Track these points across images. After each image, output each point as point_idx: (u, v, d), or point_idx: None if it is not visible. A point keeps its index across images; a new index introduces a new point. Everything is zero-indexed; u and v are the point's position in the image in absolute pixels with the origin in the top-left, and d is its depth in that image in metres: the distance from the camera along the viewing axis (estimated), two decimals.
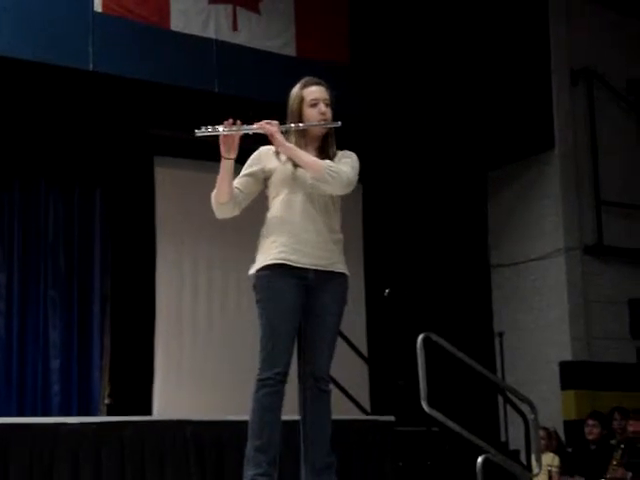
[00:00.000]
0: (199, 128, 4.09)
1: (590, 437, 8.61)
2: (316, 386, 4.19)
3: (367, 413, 9.04)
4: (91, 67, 7.59)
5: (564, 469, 8.47)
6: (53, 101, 8.25)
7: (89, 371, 8.87)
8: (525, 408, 7.89)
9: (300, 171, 4.18)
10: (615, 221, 10.56)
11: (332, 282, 4.20)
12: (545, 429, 8.52)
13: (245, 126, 4.13)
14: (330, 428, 4.25)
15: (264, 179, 4.27)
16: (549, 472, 8.36)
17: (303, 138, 4.23)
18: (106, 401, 8.73)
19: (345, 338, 8.18)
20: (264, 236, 4.23)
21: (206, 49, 8.19)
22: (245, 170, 4.29)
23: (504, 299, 10.88)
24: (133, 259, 9.17)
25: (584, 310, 10.23)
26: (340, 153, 4.29)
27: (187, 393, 8.91)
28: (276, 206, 4.22)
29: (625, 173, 10.82)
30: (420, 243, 10.57)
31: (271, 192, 4.27)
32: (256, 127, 4.15)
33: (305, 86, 4.29)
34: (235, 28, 8.41)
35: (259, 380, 4.09)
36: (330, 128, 4.26)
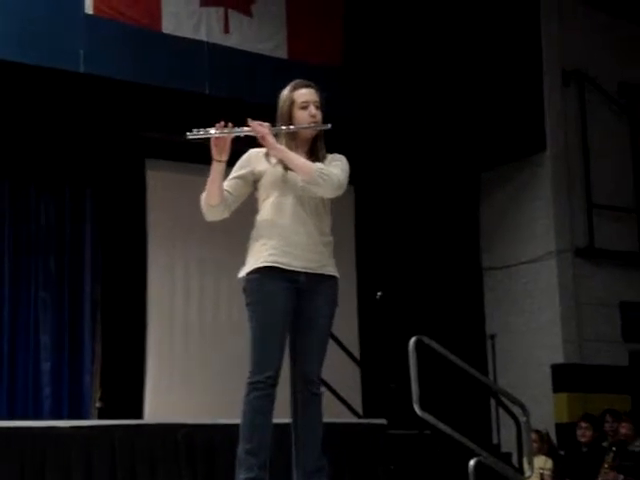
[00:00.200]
0: (191, 131, 4.09)
1: (582, 440, 8.62)
2: (307, 389, 4.18)
3: (359, 416, 9.03)
4: (82, 69, 7.58)
5: (557, 472, 8.47)
6: (44, 103, 8.23)
7: (80, 374, 8.85)
8: (517, 411, 7.89)
9: (290, 174, 4.17)
10: (606, 224, 10.58)
11: (322, 285, 4.18)
12: (537, 432, 8.52)
13: (237, 128, 4.12)
14: (321, 431, 4.24)
15: (254, 181, 4.26)
16: (541, 475, 8.37)
17: (293, 141, 4.22)
18: (97, 404, 8.71)
19: (337, 341, 8.17)
20: (254, 239, 4.21)
21: (197, 51, 8.18)
22: (235, 172, 4.27)
23: (496, 302, 10.89)
24: (124, 262, 9.15)
25: (576, 313, 10.24)
26: (330, 156, 4.28)
27: (178, 396, 8.89)
28: (266, 209, 4.20)
29: (616, 176, 10.83)
30: (412, 246, 10.57)
31: (261, 195, 4.25)
32: (247, 129, 4.13)
33: (295, 88, 4.28)
34: (227, 30, 8.40)
35: (250, 383, 4.08)
36: (320, 131, 4.25)
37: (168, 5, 8.11)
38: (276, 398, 4.12)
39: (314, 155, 4.23)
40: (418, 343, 6.70)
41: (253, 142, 4.21)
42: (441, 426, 6.69)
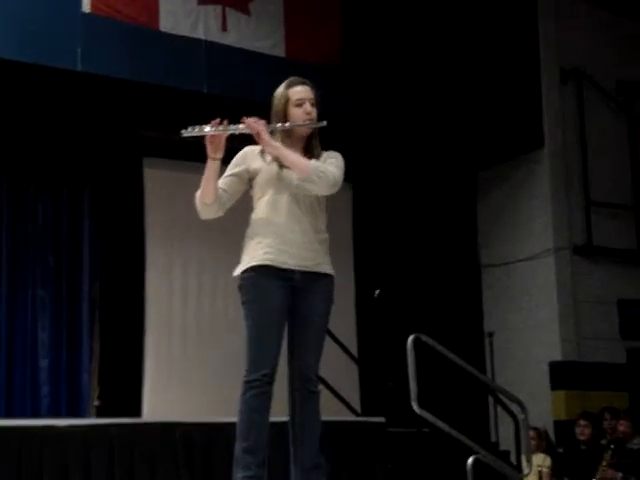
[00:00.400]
0: (186, 128, 4.08)
1: (581, 438, 8.63)
2: (305, 387, 4.18)
3: (357, 414, 9.03)
4: (79, 67, 7.57)
5: (555, 470, 8.47)
6: (41, 102, 8.23)
7: (78, 372, 8.85)
8: (515, 408, 7.89)
9: (286, 171, 4.16)
10: (604, 221, 10.58)
11: (318, 283, 4.18)
12: (535, 429, 8.53)
13: (232, 126, 4.11)
14: (319, 429, 4.24)
15: (249, 179, 4.25)
16: (540, 472, 8.37)
17: (289, 138, 4.22)
18: (95, 403, 8.70)
19: (335, 339, 8.17)
20: (249, 237, 4.21)
21: (195, 50, 8.18)
22: (229, 170, 4.27)
23: (494, 299, 10.89)
24: (122, 260, 9.14)
25: (574, 310, 10.24)
26: (325, 153, 4.27)
27: (176, 395, 8.89)
28: (261, 207, 4.20)
29: (614, 173, 10.84)
30: (410, 243, 10.58)
31: (256, 193, 4.25)
32: (243, 126, 4.13)
33: (290, 86, 4.28)
34: (224, 29, 8.40)
35: (246, 382, 4.08)
36: (315, 128, 4.25)
37: (165, 3, 8.10)
38: (273, 396, 4.12)
39: (309, 152, 4.22)
40: (416, 341, 6.71)
41: (249, 140, 4.20)
42: (439, 424, 6.70)
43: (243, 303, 4.16)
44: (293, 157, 4.14)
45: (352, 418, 8.65)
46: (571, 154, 10.57)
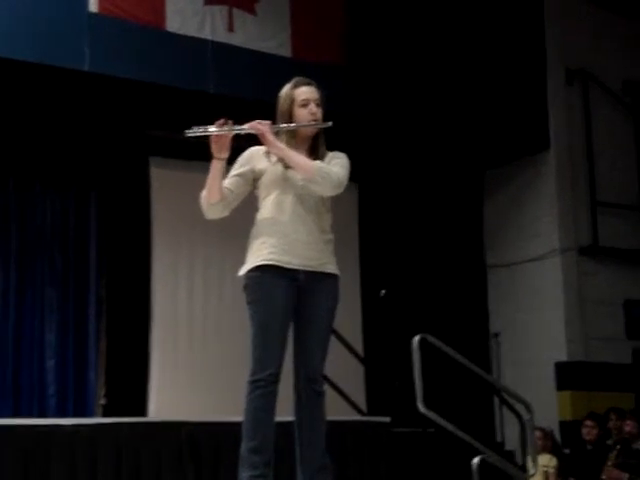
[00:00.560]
0: (190, 128, 4.08)
1: (588, 438, 8.61)
2: (310, 387, 4.18)
3: (363, 414, 9.04)
4: (87, 67, 7.59)
5: (561, 470, 8.47)
6: (48, 101, 8.25)
7: (85, 372, 8.87)
8: (521, 409, 7.87)
9: (290, 172, 4.16)
10: (610, 222, 10.57)
11: (322, 283, 4.18)
12: (541, 430, 8.52)
13: (236, 126, 4.11)
14: (324, 429, 4.24)
15: (254, 180, 4.25)
16: (545, 473, 8.37)
17: (294, 139, 4.21)
18: (102, 402, 8.72)
19: (341, 338, 8.18)
20: (254, 237, 4.21)
21: (202, 50, 8.19)
22: (235, 170, 4.26)
23: (500, 299, 10.89)
24: (129, 259, 9.16)
25: (580, 311, 10.24)
26: (330, 154, 4.27)
27: (182, 394, 8.89)
28: (266, 207, 4.20)
29: (620, 174, 10.83)
30: (416, 243, 10.58)
31: (261, 193, 4.25)
32: (247, 127, 4.13)
33: (295, 86, 4.27)
34: (231, 29, 8.42)
35: (251, 382, 4.08)
36: (320, 128, 4.24)
37: (172, 3, 8.12)
38: (278, 396, 4.12)
39: (314, 153, 4.22)
40: (422, 341, 6.70)
41: (254, 140, 4.21)
42: (445, 424, 6.68)
43: (248, 303, 4.17)
44: (297, 158, 4.13)
45: (357, 418, 8.66)
46: (577, 154, 10.57)
